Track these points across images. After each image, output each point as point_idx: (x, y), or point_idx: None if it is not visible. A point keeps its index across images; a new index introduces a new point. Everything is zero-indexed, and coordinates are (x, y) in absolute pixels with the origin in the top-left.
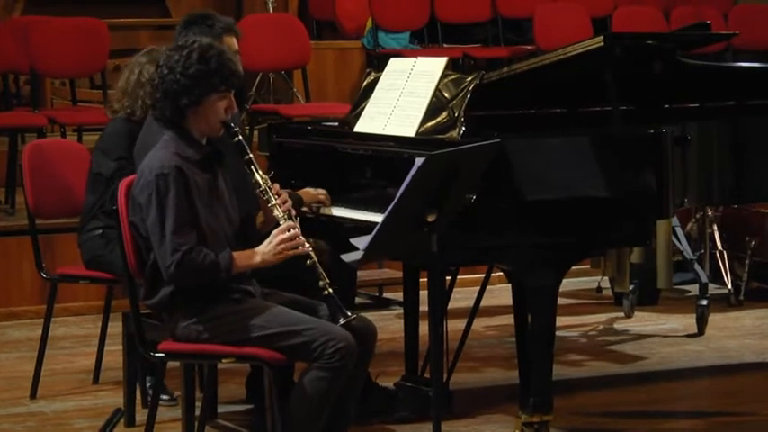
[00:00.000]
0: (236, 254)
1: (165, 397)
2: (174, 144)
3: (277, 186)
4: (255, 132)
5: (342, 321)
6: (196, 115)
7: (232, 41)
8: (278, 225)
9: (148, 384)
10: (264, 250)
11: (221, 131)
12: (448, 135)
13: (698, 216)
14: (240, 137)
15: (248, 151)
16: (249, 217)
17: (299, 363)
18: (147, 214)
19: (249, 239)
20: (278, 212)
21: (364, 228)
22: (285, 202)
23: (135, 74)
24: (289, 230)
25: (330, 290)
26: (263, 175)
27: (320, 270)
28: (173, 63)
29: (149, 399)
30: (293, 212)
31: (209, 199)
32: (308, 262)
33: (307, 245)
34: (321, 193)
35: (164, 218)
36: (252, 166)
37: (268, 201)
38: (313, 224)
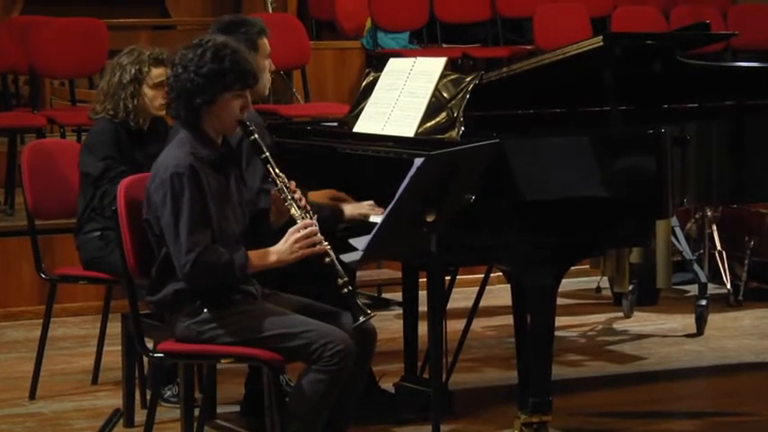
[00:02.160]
0: (251, 253)
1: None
2: (190, 143)
3: (293, 184)
4: None
5: (362, 319)
6: (210, 114)
7: (265, 43)
8: (293, 221)
9: (166, 395)
10: (280, 249)
11: (236, 130)
12: (447, 135)
13: (697, 216)
14: (256, 135)
15: (264, 150)
16: (262, 212)
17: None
18: (162, 213)
19: (262, 236)
20: (294, 211)
21: (363, 228)
22: (301, 200)
23: (116, 75)
24: (305, 228)
25: (349, 288)
26: (280, 173)
27: (338, 268)
28: (186, 62)
29: (149, 401)
30: (310, 210)
31: (220, 200)
32: (327, 260)
33: (325, 243)
34: (366, 205)
35: (178, 217)
36: (268, 165)
37: (285, 199)
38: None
